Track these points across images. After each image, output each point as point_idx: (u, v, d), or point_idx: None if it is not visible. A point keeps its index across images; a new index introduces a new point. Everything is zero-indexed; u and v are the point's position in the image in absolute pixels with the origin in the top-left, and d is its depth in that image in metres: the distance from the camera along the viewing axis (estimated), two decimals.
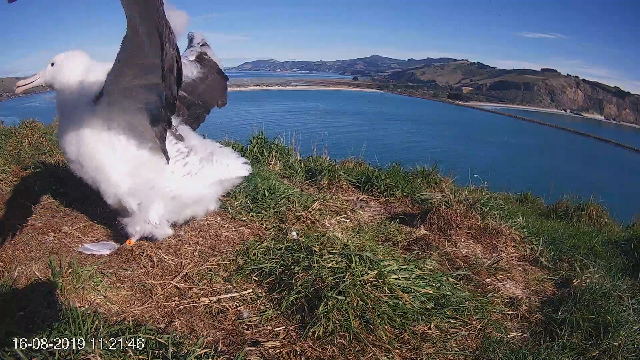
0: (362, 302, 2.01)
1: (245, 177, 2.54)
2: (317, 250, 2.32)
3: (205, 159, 2.37)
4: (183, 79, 1.96)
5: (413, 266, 2.44)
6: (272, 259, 2.39)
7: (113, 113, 2.12)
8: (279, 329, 1.96)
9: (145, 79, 1.92)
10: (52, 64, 2.25)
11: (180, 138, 2.38)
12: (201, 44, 2.99)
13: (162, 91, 1.90)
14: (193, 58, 2.82)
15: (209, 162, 2.38)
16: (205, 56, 2.89)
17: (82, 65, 2.23)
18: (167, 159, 2.23)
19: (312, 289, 2.09)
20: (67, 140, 2.19)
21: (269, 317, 2.03)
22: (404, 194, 4.30)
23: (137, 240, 2.45)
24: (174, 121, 2.41)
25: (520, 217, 3.89)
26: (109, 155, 2.17)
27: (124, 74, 1.93)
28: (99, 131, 2.15)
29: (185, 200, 2.34)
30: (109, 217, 2.78)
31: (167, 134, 2.26)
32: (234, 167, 2.46)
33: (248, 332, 1.93)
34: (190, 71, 2.71)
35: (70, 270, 1.97)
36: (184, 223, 2.70)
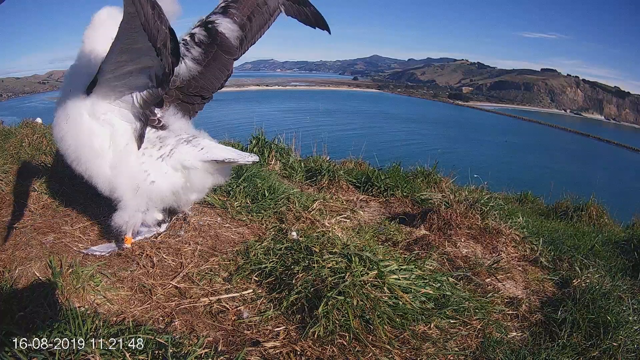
0: (362, 302, 2.01)
1: (233, 163, 2.27)
2: (317, 250, 2.32)
3: (185, 141, 2.27)
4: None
5: (413, 266, 2.44)
6: (272, 259, 2.39)
7: (104, 101, 2.14)
8: (279, 329, 1.96)
9: (140, 62, 1.95)
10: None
11: (163, 127, 2.35)
12: (220, 7, 2.71)
13: (156, 71, 1.96)
14: (196, 31, 2.58)
15: (187, 144, 2.26)
16: (211, 25, 2.62)
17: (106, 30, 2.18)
18: (146, 144, 2.25)
19: (312, 289, 2.09)
20: (59, 130, 2.21)
21: (269, 317, 2.03)
22: (404, 194, 4.30)
23: (132, 235, 2.46)
24: (159, 112, 2.39)
25: (520, 217, 3.89)
26: (99, 144, 2.19)
27: (120, 61, 1.93)
28: (91, 122, 2.16)
29: (162, 185, 2.25)
30: (109, 217, 2.78)
31: (149, 123, 2.29)
32: (212, 150, 2.25)
33: (248, 332, 1.93)
34: (187, 51, 2.51)
35: (70, 270, 1.97)
36: (173, 213, 2.67)
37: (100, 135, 2.19)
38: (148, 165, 2.23)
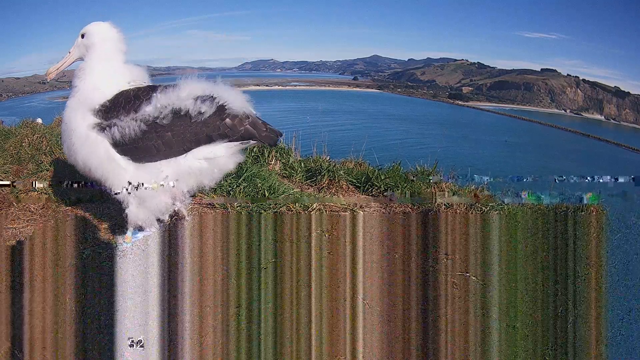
0: None
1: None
2: None
3: None
4: None
5: None
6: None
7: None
8: None
9: None
10: (83, 36, 2.33)
11: None
12: None
13: None
14: None
15: None
16: None
17: (113, 43, 2.33)
18: None
19: None
20: (71, 146, 2.28)
21: None
22: (404, 193, 4.30)
23: (135, 228, 2.48)
24: None
25: (521, 217, 3.88)
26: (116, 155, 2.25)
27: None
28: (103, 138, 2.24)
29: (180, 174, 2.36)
30: (109, 216, 2.78)
31: None
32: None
33: None
34: None
35: None
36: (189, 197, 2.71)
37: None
38: (163, 163, 2.30)
